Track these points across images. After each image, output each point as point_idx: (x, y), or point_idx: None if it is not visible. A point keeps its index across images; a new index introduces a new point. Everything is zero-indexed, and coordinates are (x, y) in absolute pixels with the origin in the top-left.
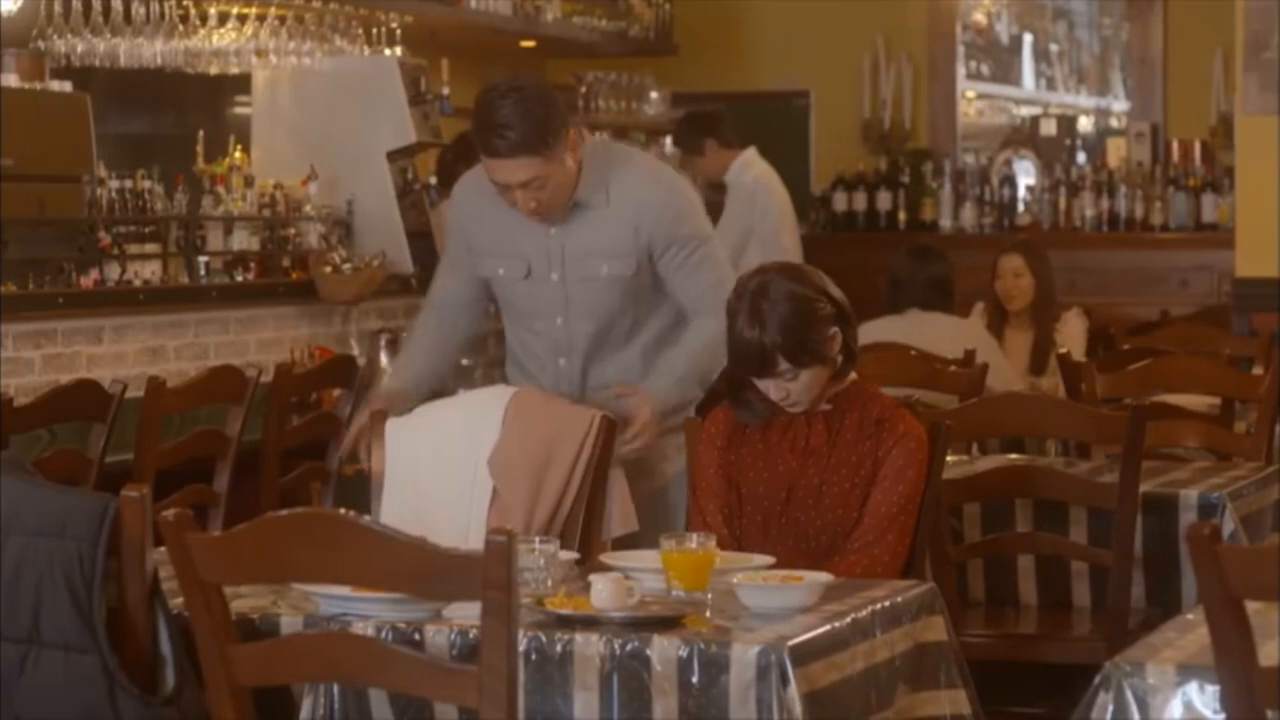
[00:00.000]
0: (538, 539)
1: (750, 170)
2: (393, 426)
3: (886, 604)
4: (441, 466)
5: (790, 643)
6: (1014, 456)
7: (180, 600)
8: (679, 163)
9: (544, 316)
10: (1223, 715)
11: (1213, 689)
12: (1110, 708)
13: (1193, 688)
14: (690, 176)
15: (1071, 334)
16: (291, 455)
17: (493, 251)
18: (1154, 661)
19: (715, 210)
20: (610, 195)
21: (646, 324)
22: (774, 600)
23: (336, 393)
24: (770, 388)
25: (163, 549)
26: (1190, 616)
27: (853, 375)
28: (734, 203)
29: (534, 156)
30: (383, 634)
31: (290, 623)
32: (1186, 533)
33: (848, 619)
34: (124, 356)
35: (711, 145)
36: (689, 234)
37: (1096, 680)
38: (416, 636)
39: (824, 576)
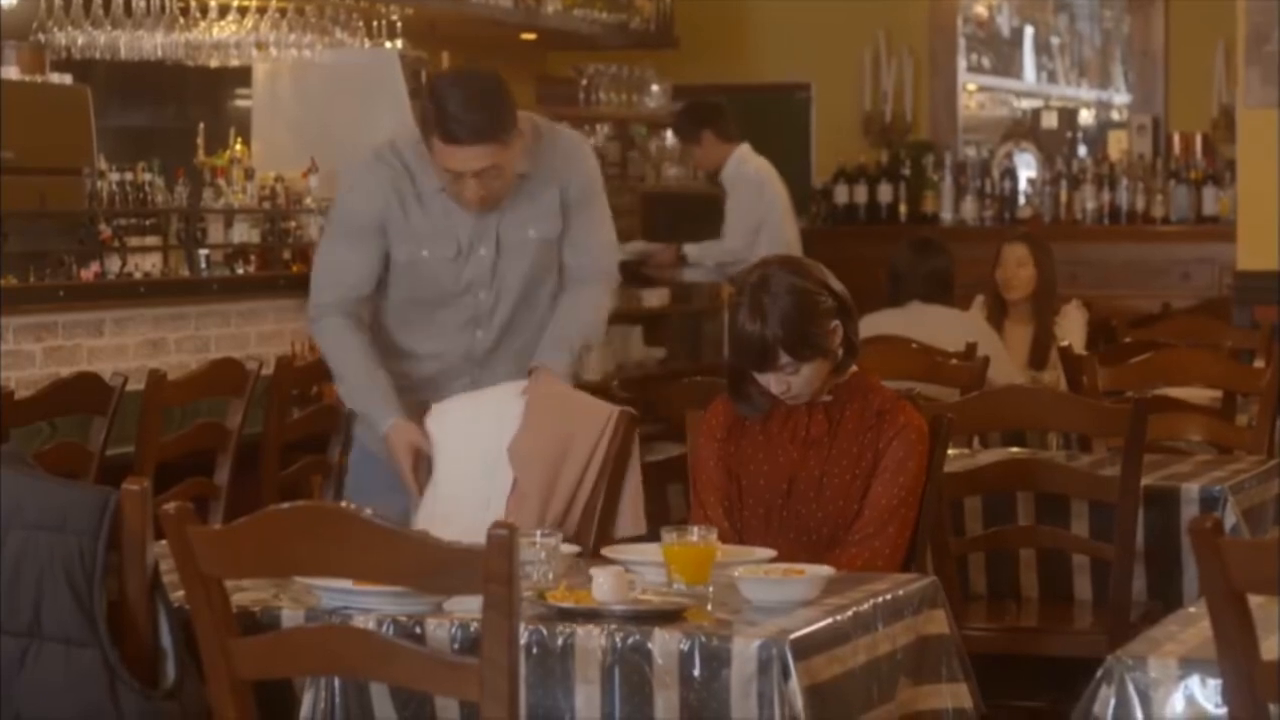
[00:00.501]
0: (539, 532)
1: (749, 163)
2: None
3: (888, 597)
4: (465, 456)
5: (792, 636)
6: (1015, 450)
7: (181, 594)
8: (679, 154)
9: (467, 292)
10: (1224, 709)
11: (1215, 683)
12: (1112, 701)
13: (1195, 681)
14: (690, 167)
15: (1071, 326)
16: (292, 448)
17: (414, 236)
18: (1156, 655)
19: (715, 203)
20: (539, 161)
21: (552, 287)
22: (775, 593)
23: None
24: (771, 382)
25: (163, 542)
26: (1192, 610)
27: (853, 368)
28: (740, 195)
29: (493, 144)
30: (384, 628)
31: (291, 616)
32: (1189, 526)
33: (849, 612)
34: (124, 349)
35: (709, 136)
36: (599, 189)
37: (1098, 674)
38: (418, 630)
39: (825, 570)
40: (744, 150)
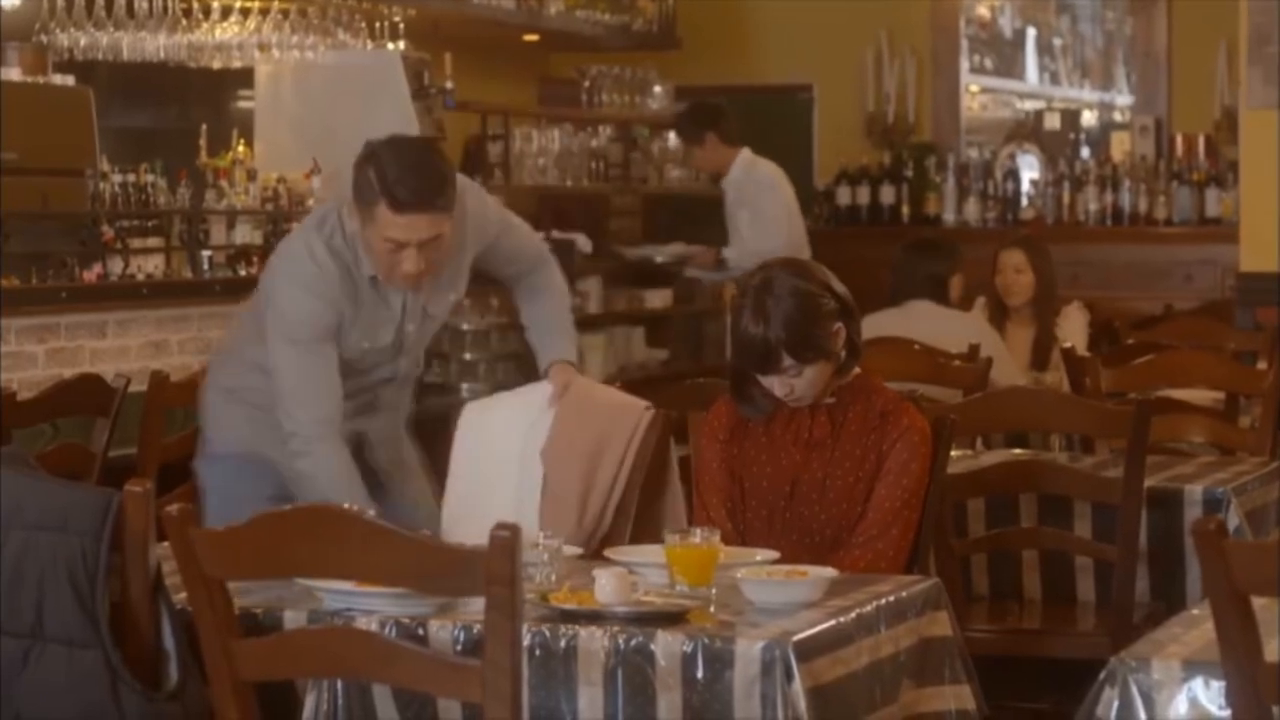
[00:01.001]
0: (542, 534)
1: (759, 166)
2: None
3: (891, 599)
4: (497, 457)
5: (795, 638)
6: (1018, 451)
7: (183, 595)
8: (681, 155)
9: (383, 365)
10: (1228, 711)
11: (1218, 684)
12: (1116, 703)
13: (1198, 683)
14: (692, 169)
15: (1072, 327)
16: None
17: (357, 329)
18: (1159, 657)
19: (718, 205)
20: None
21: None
22: (778, 595)
23: None
24: (774, 384)
25: (166, 544)
26: (1195, 612)
27: (856, 369)
28: (761, 196)
29: (443, 213)
30: (386, 629)
31: (294, 618)
32: (1193, 528)
33: (852, 614)
34: (127, 350)
35: (712, 139)
36: (500, 211)
37: (1102, 676)
38: (420, 631)
39: (828, 571)
40: (747, 154)
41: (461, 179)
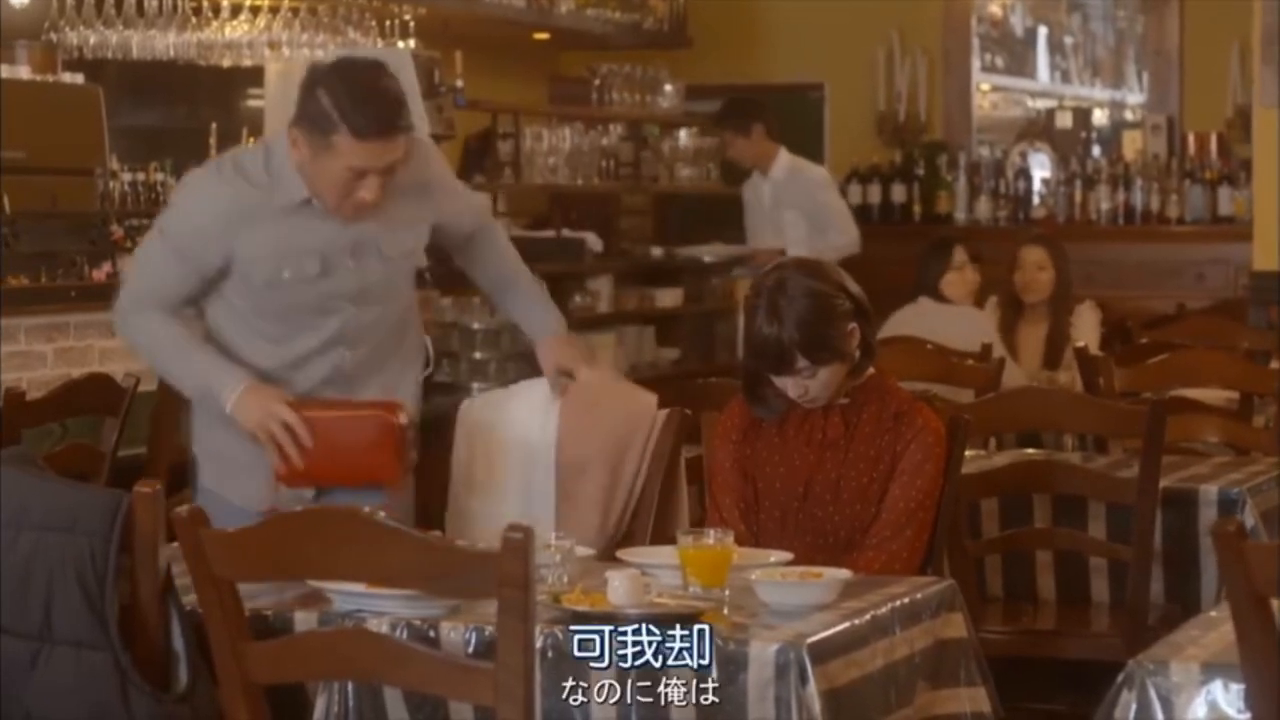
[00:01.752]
0: (553, 535)
1: (807, 165)
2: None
3: (906, 601)
4: (500, 459)
5: (809, 640)
6: (1031, 451)
7: (193, 597)
8: (691, 154)
9: (332, 311)
10: (1248, 715)
11: (1237, 688)
12: (1134, 706)
13: (1217, 686)
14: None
15: (1085, 326)
16: None
17: (270, 255)
18: (1178, 660)
19: (728, 203)
20: (410, 165)
21: (409, 299)
22: (793, 597)
23: None
24: (788, 385)
25: (175, 544)
26: (1213, 614)
27: (870, 370)
28: (824, 193)
29: (404, 134)
30: (398, 631)
31: (304, 619)
32: (1213, 530)
33: (867, 616)
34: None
35: (759, 131)
36: (451, 174)
37: (1120, 679)
38: (431, 633)
39: (843, 573)
40: (786, 153)
41: (425, 140)
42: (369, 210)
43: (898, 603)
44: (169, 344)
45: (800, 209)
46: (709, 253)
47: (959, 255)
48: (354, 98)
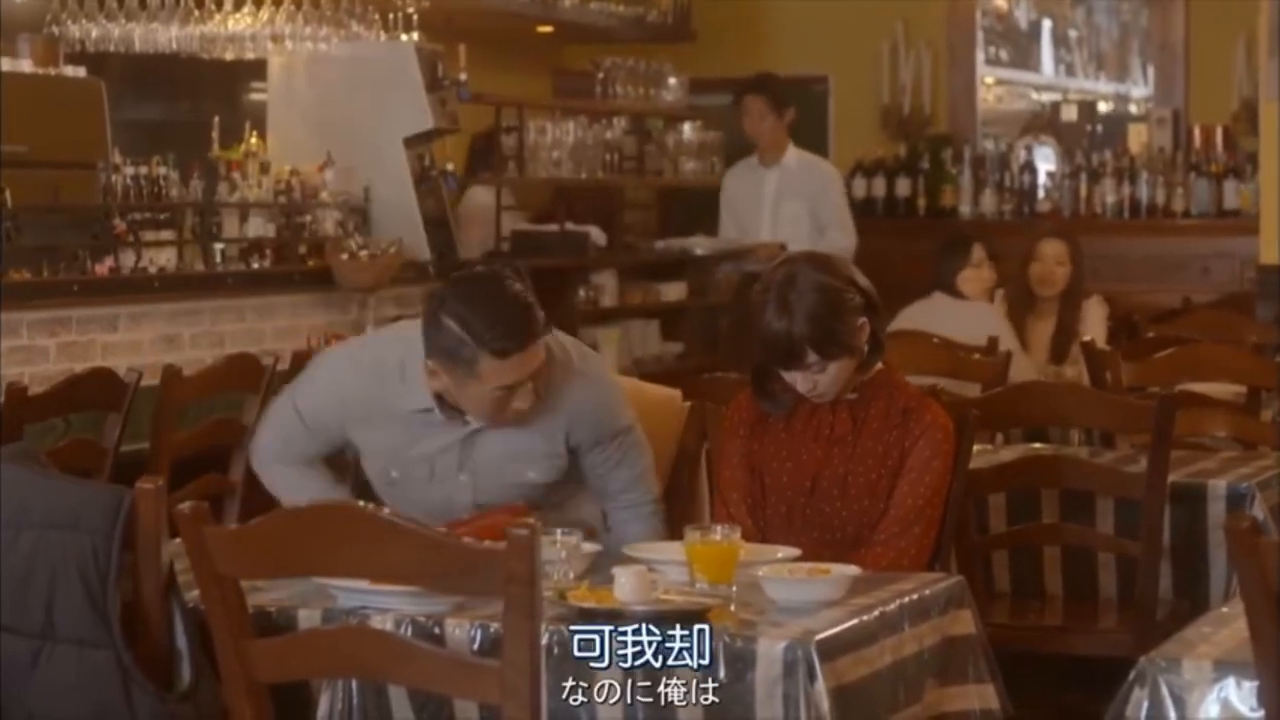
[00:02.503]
0: (559, 531)
1: (817, 159)
2: None
3: (914, 597)
4: None
5: (817, 637)
6: (1039, 445)
7: (196, 594)
8: (696, 147)
9: (453, 513)
10: (1260, 712)
11: (1250, 685)
12: (1145, 704)
13: (1230, 684)
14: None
15: (1092, 321)
16: None
17: (382, 454)
18: (1190, 657)
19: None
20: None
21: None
22: (800, 594)
23: None
24: (798, 380)
25: (178, 541)
26: (1225, 610)
27: (879, 365)
28: (834, 187)
29: (542, 337)
30: (402, 628)
31: (308, 617)
32: (1225, 527)
33: (875, 613)
34: (139, 344)
35: (790, 115)
36: (618, 429)
37: (1131, 676)
38: (436, 631)
39: (851, 569)
40: (792, 145)
41: (598, 359)
42: (518, 420)
43: (906, 599)
44: (315, 482)
45: (806, 201)
46: (700, 245)
47: (978, 252)
48: (484, 319)
